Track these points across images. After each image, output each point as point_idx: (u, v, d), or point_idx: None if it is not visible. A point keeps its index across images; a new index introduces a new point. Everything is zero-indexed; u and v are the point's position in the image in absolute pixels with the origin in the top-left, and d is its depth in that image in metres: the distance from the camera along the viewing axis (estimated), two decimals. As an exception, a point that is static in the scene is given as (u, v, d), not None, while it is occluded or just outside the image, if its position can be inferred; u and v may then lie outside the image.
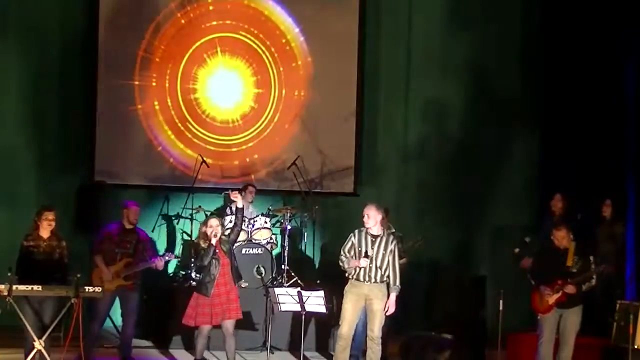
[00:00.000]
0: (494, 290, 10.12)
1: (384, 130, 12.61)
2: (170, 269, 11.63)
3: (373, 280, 8.67)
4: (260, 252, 10.59)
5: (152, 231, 11.48)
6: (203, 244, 8.63)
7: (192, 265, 10.82)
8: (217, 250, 8.60)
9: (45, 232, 8.44)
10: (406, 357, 9.74)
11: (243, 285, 9.66)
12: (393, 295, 8.70)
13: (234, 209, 10.84)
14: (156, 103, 12.14)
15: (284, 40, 12.40)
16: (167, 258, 9.51)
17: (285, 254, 11.01)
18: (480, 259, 12.37)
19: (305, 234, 11.67)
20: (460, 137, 12.62)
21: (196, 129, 12.20)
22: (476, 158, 12.61)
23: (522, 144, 12.68)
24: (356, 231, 8.80)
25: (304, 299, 8.57)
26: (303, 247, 11.89)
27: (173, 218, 11.72)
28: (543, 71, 12.55)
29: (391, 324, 9.52)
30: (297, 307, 8.64)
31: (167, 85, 12.17)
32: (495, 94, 12.62)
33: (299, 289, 8.77)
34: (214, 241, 8.56)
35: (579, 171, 11.55)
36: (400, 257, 9.20)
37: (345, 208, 11.68)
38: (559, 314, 8.86)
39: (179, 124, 12.18)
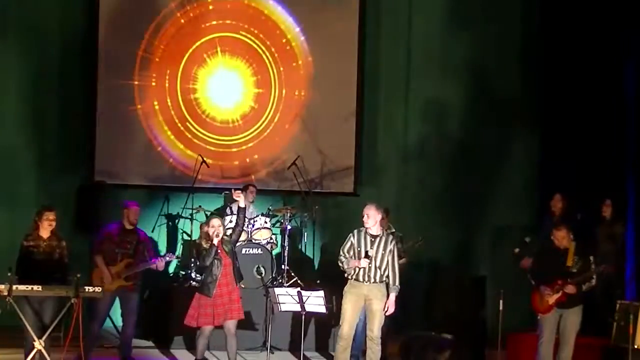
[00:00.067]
0: (494, 290, 10.12)
1: (384, 130, 12.62)
2: (171, 269, 11.64)
3: (372, 280, 8.67)
4: (260, 252, 10.59)
5: (152, 231, 11.48)
6: (205, 244, 8.62)
7: (192, 265, 10.83)
8: (219, 251, 8.59)
9: (45, 232, 8.43)
10: (406, 357, 9.73)
11: (242, 286, 9.65)
12: (392, 296, 8.70)
13: (234, 208, 10.88)
14: (156, 103, 12.14)
15: (284, 40, 12.40)
16: (167, 258, 9.51)
17: (285, 254, 11.01)
18: (480, 259, 12.37)
19: (305, 234, 11.68)
20: (460, 137, 12.63)
21: (196, 129, 12.20)
22: (476, 158, 12.62)
23: (522, 144, 12.68)
24: (355, 231, 8.80)
25: (304, 299, 8.57)
26: (303, 247, 11.89)
27: (173, 218, 11.71)
28: (543, 71, 12.55)
29: (391, 324, 9.53)
30: (297, 307, 8.64)
31: (167, 85, 12.17)
32: (495, 94, 12.63)
33: (299, 289, 8.78)
34: (215, 241, 8.55)
35: (579, 171, 11.55)
36: (400, 257, 9.21)
37: (345, 208, 11.68)
38: (559, 314, 8.86)
39: (179, 124, 12.18)
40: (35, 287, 7.94)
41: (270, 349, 9.35)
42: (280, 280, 10.75)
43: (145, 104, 12.11)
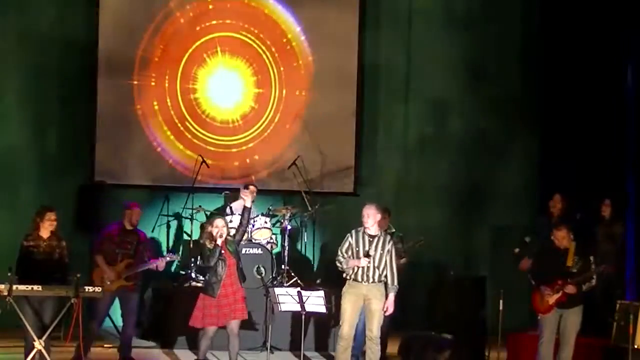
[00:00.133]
0: (494, 290, 10.10)
1: (384, 130, 12.62)
2: (171, 269, 11.62)
3: (371, 280, 8.67)
4: (260, 252, 10.59)
5: (152, 231, 11.48)
6: (209, 245, 8.60)
7: (192, 265, 10.84)
8: (223, 251, 8.59)
9: (46, 232, 8.43)
10: (406, 357, 9.73)
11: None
12: (391, 296, 8.70)
13: (234, 208, 10.89)
14: (155, 103, 12.13)
15: (284, 40, 12.39)
16: (168, 258, 9.52)
17: (285, 254, 11.01)
18: (480, 259, 12.38)
19: (305, 234, 11.68)
20: (460, 137, 12.64)
21: (196, 129, 12.18)
22: (476, 158, 12.62)
23: (522, 144, 12.69)
24: (353, 231, 8.80)
25: (304, 299, 8.57)
26: (303, 247, 11.90)
27: (173, 218, 11.71)
28: (543, 71, 12.56)
29: (391, 323, 9.53)
30: (297, 307, 8.64)
31: (166, 85, 12.16)
32: (495, 94, 12.63)
33: (299, 289, 8.77)
34: (219, 242, 8.55)
35: (579, 171, 11.55)
36: (400, 257, 9.19)
37: (345, 208, 11.67)
38: (559, 314, 8.86)
39: (179, 124, 12.17)
40: (35, 287, 7.94)
41: (270, 349, 9.35)
42: (280, 280, 10.75)
43: (144, 104, 12.10)
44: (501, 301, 9.62)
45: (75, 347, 9.13)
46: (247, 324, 8.93)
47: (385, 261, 8.70)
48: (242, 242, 10.45)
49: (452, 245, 12.32)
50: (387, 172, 12.59)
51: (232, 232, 8.89)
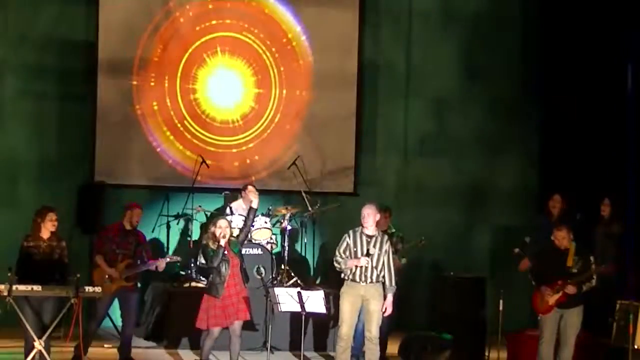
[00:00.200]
0: (494, 290, 10.11)
1: (384, 130, 12.62)
2: (171, 269, 11.61)
3: (369, 280, 8.67)
4: (260, 252, 10.59)
5: (152, 231, 11.48)
6: (212, 245, 8.59)
7: (192, 265, 10.83)
8: (226, 252, 8.59)
9: (46, 232, 8.43)
10: (406, 357, 9.74)
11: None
12: (390, 296, 8.70)
13: (234, 208, 10.89)
14: (155, 104, 12.12)
15: (284, 40, 12.39)
16: (168, 259, 9.52)
17: (285, 254, 11.01)
18: (480, 259, 12.38)
19: (305, 234, 11.68)
20: (460, 136, 12.64)
21: (196, 130, 12.16)
22: (476, 158, 12.63)
23: (522, 144, 12.70)
24: (351, 232, 8.81)
25: (304, 299, 8.57)
26: (303, 247, 11.90)
27: (173, 218, 11.71)
28: (543, 71, 12.56)
29: (391, 323, 9.53)
30: (297, 307, 8.63)
31: (166, 85, 12.14)
32: (495, 94, 12.64)
33: (299, 289, 8.77)
34: (222, 242, 8.54)
35: (579, 171, 11.56)
36: (401, 258, 9.18)
37: (345, 208, 11.67)
38: (559, 314, 8.86)
39: (178, 125, 12.15)
40: (35, 287, 7.94)
41: (270, 349, 9.35)
42: (280, 280, 10.75)
43: (144, 104, 12.08)
44: (501, 301, 9.63)
45: (75, 347, 9.13)
46: (247, 324, 8.92)
47: (383, 261, 8.70)
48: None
49: (452, 245, 12.32)
50: (387, 172, 12.60)
51: (235, 232, 8.89)
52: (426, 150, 12.65)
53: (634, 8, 10.87)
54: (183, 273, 11.13)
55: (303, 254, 11.97)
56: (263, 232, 10.91)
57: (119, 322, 9.84)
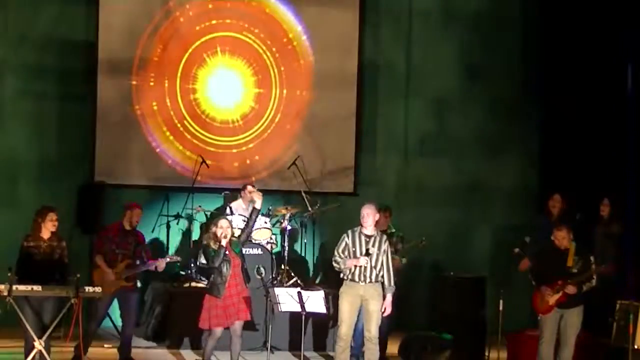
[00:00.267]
0: (494, 290, 10.11)
1: (384, 130, 12.62)
2: (171, 269, 11.61)
3: (368, 280, 8.68)
4: (260, 252, 10.59)
5: (152, 231, 11.48)
6: (213, 245, 8.59)
7: (193, 265, 10.83)
8: (228, 252, 8.59)
9: (47, 232, 8.43)
10: (406, 357, 9.74)
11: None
12: (389, 296, 8.71)
13: (233, 209, 10.89)
14: (154, 104, 12.11)
15: (285, 40, 12.38)
16: (168, 259, 9.52)
17: (285, 254, 11.01)
18: (480, 259, 12.38)
19: (305, 234, 11.68)
20: (460, 136, 12.64)
21: (195, 130, 12.15)
22: (476, 158, 12.63)
23: (522, 144, 12.70)
24: (349, 231, 8.81)
25: (304, 299, 8.57)
26: (303, 247, 11.90)
27: (173, 218, 11.70)
28: (543, 71, 12.56)
29: (391, 323, 9.53)
30: (297, 307, 8.63)
31: (166, 85, 12.13)
32: (495, 94, 12.64)
33: (299, 289, 8.77)
34: (224, 242, 8.55)
35: (579, 171, 11.56)
36: (401, 257, 9.18)
37: (345, 208, 11.68)
38: (559, 314, 8.87)
39: (178, 125, 12.14)
40: (35, 287, 7.94)
41: (270, 349, 9.35)
42: (280, 280, 10.75)
43: (143, 104, 12.07)
44: (501, 301, 9.63)
45: (75, 347, 9.13)
46: (247, 324, 8.92)
47: (382, 261, 8.71)
48: (243, 243, 10.48)
49: (452, 245, 12.32)
50: (387, 172, 12.60)
51: (236, 232, 8.90)
52: (426, 150, 12.65)
53: (634, 8, 10.87)
54: (183, 273, 11.14)
55: (303, 254, 11.97)
56: (263, 232, 10.92)
57: (119, 322, 9.84)
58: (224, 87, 12.27)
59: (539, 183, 12.62)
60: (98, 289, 8.26)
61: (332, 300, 9.58)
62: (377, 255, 8.69)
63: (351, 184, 12.43)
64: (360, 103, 12.49)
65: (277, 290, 8.76)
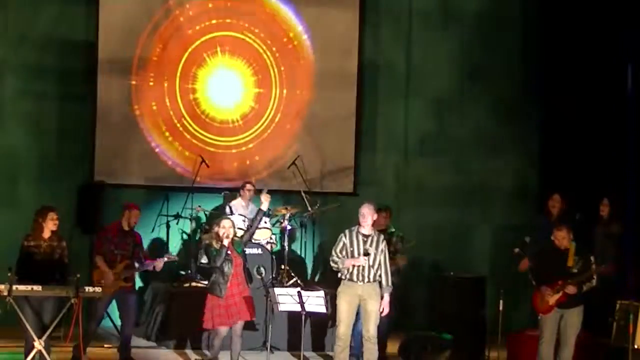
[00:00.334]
0: (494, 290, 10.12)
1: (384, 130, 12.62)
2: (172, 269, 11.61)
3: (367, 279, 8.69)
4: (260, 252, 10.59)
5: (152, 231, 11.48)
6: (215, 245, 8.60)
7: (193, 265, 10.83)
8: (230, 252, 8.60)
9: (47, 232, 8.43)
10: (406, 357, 9.74)
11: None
12: (387, 296, 8.73)
13: (234, 208, 10.89)
14: (154, 104, 12.10)
15: (285, 39, 12.38)
16: (166, 259, 9.52)
17: (285, 254, 11.01)
18: (480, 259, 12.38)
19: (305, 234, 11.68)
20: (460, 136, 12.64)
21: (195, 130, 12.14)
22: (476, 158, 12.63)
23: (522, 144, 12.70)
24: (347, 231, 8.82)
25: (304, 299, 8.56)
26: (303, 247, 11.89)
27: (173, 218, 11.70)
28: (543, 71, 12.56)
29: (391, 323, 9.53)
30: (297, 307, 8.64)
31: (165, 85, 12.12)
32: (495, 94, 12.64)
33: (299, 289, 8.77)
34: (226, 242, 8.55)
35: (579, 171, 11.56)
36: (402, 257, 9.18)
37: (345, 208, 11.68)
38: (559, 314, 8.87)
39: (178, 125, 12.12)
40: (35, 287, 7.94)
41: (270, 349, 9.34)
42: (280, 280, 10.75)
43: (143, 104, 12.06)
44: (501, 301, 9.63)
45: (74, 347, 9.13)
46: (247, 324, 8.93)
47: (379, 261, 8.71)
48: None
49: (452, 245, 12.32)
50: (387, 172, 12.59)
51: (240, 232, 8.91)
52: (426, 150, 12.64)
53: (634, 8, 10.87)
54: (183, 273, 11.13)
55: (303, 253, 11.96)
56: (263, 232, 10.91)
57: (119, 322, 9.84)
58: (224, 87, 12.26)
59: (539, 183, 12.62)
60: (98, 289, 8.27)
61: (331, 300, 9.58)
62: (375, 254, 8.70)
63: (351, 184, 12.43)
64: (360, 103, 12.48)
65: (277, 290, 8.76)
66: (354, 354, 9.19)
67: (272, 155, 12.29)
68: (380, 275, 8.72)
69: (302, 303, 8.57)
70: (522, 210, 12.38)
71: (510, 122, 12.64)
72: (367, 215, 8.72)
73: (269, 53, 12.31)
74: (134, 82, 12.02)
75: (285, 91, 12.33)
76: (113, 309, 9.72)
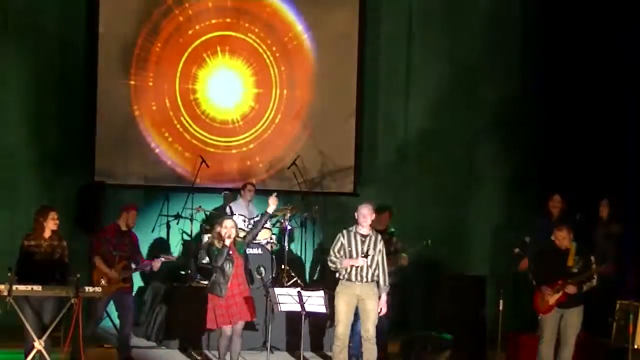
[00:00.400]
0: (494, 290, 10.11)
1: (384, 130, 12.62)
2: (171, 269, 11.61)
3: (365, 279, 8.69)
4: (260, 252, 10.59)
5: (152, 231, 11.48)
6: (217, 244, 8.62)
7: (193, 265, 10.83)
8: (231, 252, 8.60)
9: (48, 231, 8.43)
10: (406, 357, 9.73)
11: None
12: (384, 296, 8.74)
13: (234, 209, 10.89)
14: (153, 104, 12.10)
15: (285, 39, 12.38)
16: (163, 259, 9.53)
17: (285, 254, 11.01)
18: (480, 259, 12.38)
19: (305, 234, 11.67)
20: (460, 136, 12.63)
21: (195, 130, 12.15)
22: (476, 158, 12.62)
23: (521, 144, 12.69)
24: (344, 231, 8.82)
25: (304, 299, 8.56)
26: (303, 247, 11.89)
27: (173, 218, 11.70)
28: (543, 71, 12.56)
29: (391, 323, 9.52)
30: (297, 307, 8.63)
31: (165, 85, 12.12)
32: (495, 94, 12.63)
33: (299, 289, 8.78)
34: (227, 242, 8.56)
35: (579, 171, 11.56)
36: (404, 257, 9.19)
37: (345, 208, 11.67)
38: (559, 314, 8.87)
39: (177, 126, 12.13)
40: (35, 287, 7.94)
41: (270, 349, 9.34)
42: (280, 280, 10.75)
43: (142, 104, 12.07)
44: (501, 301, 9.63)
45: (74, 347, 9.12)
46: (247, 324, 8.93)
47: (377, 261, 8.72)
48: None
49: (452, 245, 12.31)
50: (387, 172, 12.59)
51: (241, 233, 8.92)
52: (426, 150, 12.63)
53: (634, 8, 10.87)
54: (183, 273, 11.13)
55: (303, 254, 11.96)
56: (263, 232, 10.90)
57: (118, 322, 9.84)
58: (224, 87, 12.25)
59: (539, 183, 12.61)
60: (98, 289, 8.28)
61: (329, 300, 9.57)
62: (373, 254, 8.69)
63: (351, 184, 12.42)
64: (360, 103, 12.48)
65: (277, 290, 8.76)
66: (353, 354, 9.19)
67: (272, 155, 12.29)
68: (377, 275, 8.72)
69: (302, 303, 8.57)
70: (522, 210, 12.37)
71: (510, 122, 12.63)
72: (368, 215, 8.72)
73: (269, 53, 12.31)
74: (133, 82, 12.02)
75: (285, 91, 12.33)
76: (113, 309, 9.72)
